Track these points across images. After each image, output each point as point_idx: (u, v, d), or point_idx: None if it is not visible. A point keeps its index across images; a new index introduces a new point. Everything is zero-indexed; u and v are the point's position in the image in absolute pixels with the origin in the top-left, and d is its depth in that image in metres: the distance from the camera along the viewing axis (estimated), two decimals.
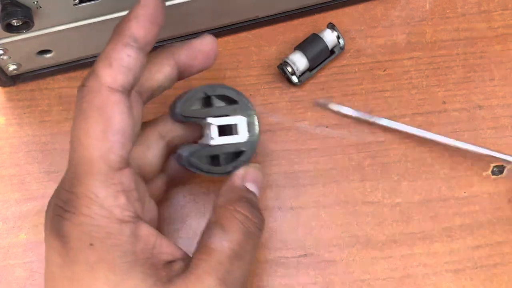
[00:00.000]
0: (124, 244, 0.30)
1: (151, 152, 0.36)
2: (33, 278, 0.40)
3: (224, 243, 0.31)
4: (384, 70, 0.45)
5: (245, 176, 0.36)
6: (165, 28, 0.43)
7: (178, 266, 0.31)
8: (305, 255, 0.41)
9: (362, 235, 0.41)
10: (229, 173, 0.36)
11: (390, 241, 0.41)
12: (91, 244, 0.29)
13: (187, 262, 0.31)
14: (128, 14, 0.32)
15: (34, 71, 0.43)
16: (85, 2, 0.37)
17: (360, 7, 0.47)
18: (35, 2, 0.35)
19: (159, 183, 0.38)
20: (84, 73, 0.44)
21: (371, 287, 0.40)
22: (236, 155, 0.36)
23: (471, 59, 0.45)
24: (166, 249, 0.31)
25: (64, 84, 0.44)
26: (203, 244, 0.32)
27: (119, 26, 0.32)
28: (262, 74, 0.45)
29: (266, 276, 0.40)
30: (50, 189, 0.41)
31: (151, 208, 0.34)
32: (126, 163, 0.31)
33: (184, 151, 0.36)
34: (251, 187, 0.36)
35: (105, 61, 0.31)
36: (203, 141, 0.37)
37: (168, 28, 0.43)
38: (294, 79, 0.44)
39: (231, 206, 0.33)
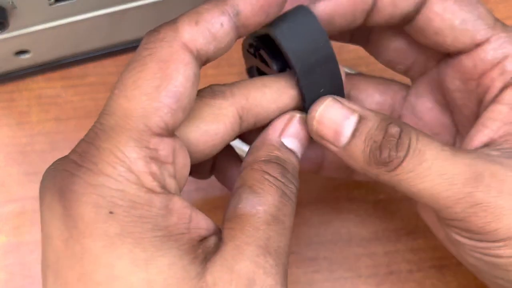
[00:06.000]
0: (154, 217, 0.24)
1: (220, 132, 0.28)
2: (13, 280, 0.39)
3: (258, 207, 0.26)
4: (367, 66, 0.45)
5: (284, 129, 0.29)
6: (144, 26, 0.43)
7: (212, 241, 0.25)
8: None
9: (345, 232, 0.41)
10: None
11: (374, 238, 0.41)
12: (110, 213, 0.23)
13: (220, 236, 0.26)
14: None
15: (13, 72, 0.42)
16: (61, 1, 0.37)
17: None
18: (11, 3, 0.35)
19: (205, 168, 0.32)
20: (63, 73, 0.44)
21: (354, 285, 0.40)
22: None
23: None
24: (202, 224, 0.26)
25: (44, 84, 0.43)
26: (232, 212, 0.26)
27: None
28: (243, 71, 0.45)
29: None
30: (30, 190, 0.41)
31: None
32: (170, 133, 0.25)
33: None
34: (290, 143, 0.29)
35: (193, 16, 0.26)
36: None
37: (146, 26, 0.43)
38: None
39: (257, 167, 0.27)
